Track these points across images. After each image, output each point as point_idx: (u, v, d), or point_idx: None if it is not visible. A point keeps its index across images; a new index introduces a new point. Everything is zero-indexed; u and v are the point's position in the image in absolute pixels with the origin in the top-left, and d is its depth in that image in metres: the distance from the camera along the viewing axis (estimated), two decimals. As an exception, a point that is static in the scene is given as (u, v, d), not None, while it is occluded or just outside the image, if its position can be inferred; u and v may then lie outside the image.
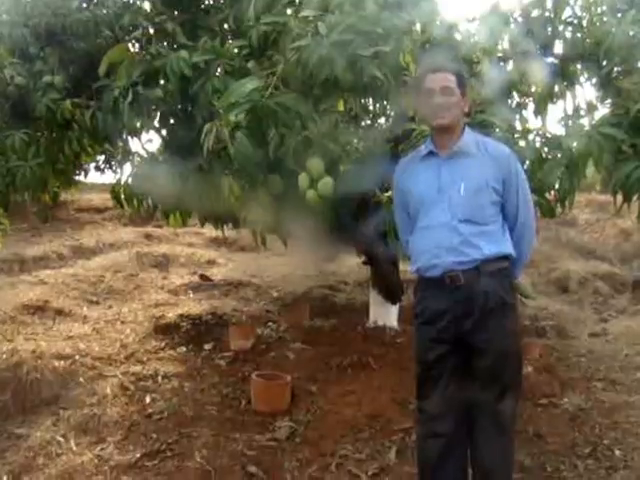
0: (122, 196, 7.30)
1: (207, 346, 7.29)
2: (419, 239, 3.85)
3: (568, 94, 5.78)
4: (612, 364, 7.09)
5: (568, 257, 12.77)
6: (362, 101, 5.26)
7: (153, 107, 5.48)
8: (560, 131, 5.33)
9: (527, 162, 4.86)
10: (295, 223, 4.93)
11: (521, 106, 5.89)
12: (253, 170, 4.62)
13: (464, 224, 3.67)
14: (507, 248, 3.77)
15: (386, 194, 5.69)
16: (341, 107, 5.00)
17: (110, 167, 8.39)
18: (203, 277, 11.03)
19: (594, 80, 5.64)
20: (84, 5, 6.20)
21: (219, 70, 4.89)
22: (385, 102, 5.01)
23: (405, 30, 4.32)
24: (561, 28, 5.63)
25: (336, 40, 3.86)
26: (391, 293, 7.59)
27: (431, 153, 3.84)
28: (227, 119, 4.15)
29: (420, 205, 3.81)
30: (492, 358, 3.70)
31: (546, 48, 5.71)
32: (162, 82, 5.20)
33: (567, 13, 5.60)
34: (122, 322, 8.26)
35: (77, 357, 6.65)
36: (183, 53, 4.95)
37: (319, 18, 4.01)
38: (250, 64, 4.73)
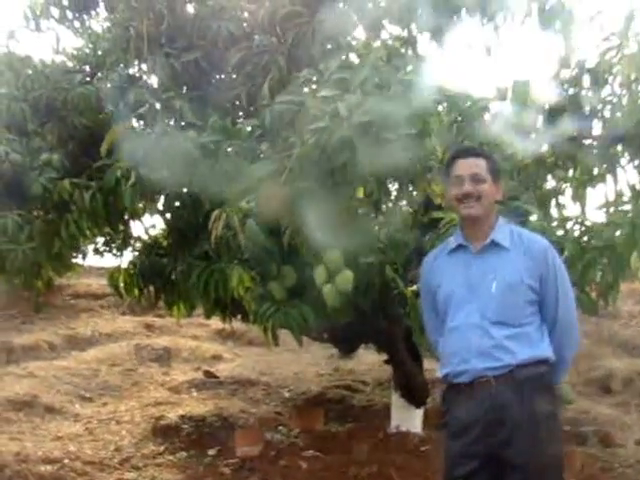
0: (121, 284, 7.33)
1: (211, 451, 7.19)
2: (448, 341, 3.77)
3: (609, 178, 5.75)
4: (665, 476, 6.94)
5: (610, 354, 12.52)
6: (384, 186, 5.26)
7: (157, 189, 5.49)
8: (601, 219, 5.29)
9: (565, 253, 4.81)
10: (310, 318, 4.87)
11: (557, 192, 5.86)
12: (265, 260, 4.61)
13: (496, 326, 3.60)
14: (545, 351, 3.67)
15: (410, 288, 5.68)
16: (361, 193, 4.99)
17: (110, 250, 8.41)
18: (208, 374, 10.94)
19: (637, 162, 5.62)
20: (87, 79, 6.28)
21: (229, 151, 4.90)
22: (410, 188, 5.00)
23: (431, 111, 4.34)
24: (600, 107, 5.63)
25: (357, 122, 3.87)
26: (415, 395, 7.49)
27: (461, 246, 3.80)
28: (238, 205, 4.15)
29: (448, 304, 3.75)
30: (528, 475, 3.58)
31: (584, 129, 5.71)
32: (168, 163, 5.22)
33: (606, 91, 5.61)
34: (117, 422, 8.18)
35: (66, 461, 6.56)
36: (191, 133, 4.98)
37: (339, 98, 4.03)
38: (263, 146, 4.75)
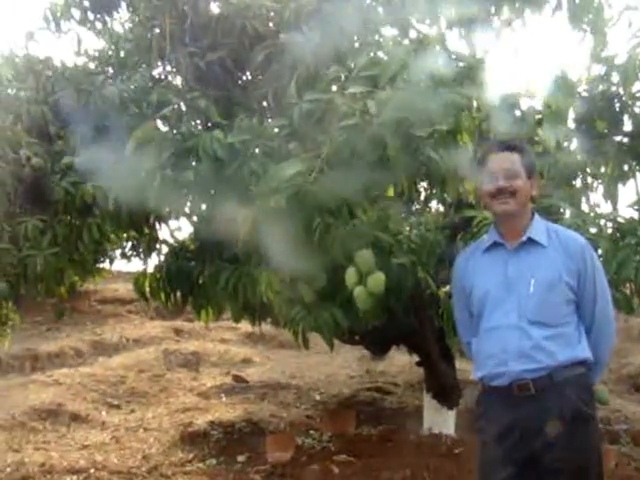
0: (147, 288, 7.30)
1: (241, 458, 7.17)
2: (483, 343, 3.73)
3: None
4: (700, 476, 6.86)
5: (640, 351, 12.50)
6: (415, 184, 5.22)
7: (184, 191, 5.46)
8: (633, 215, 5.24)
9: (600, 251, 4.76)
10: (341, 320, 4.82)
11: (589, 189, 5.80)
12: (294, 263, 4.57)
13: (535, 326, 3.55)
14: (584, 352, 3.63)
15: (443, 288, 5.64)
16: (391, 192, 4.95)
17: (137, 255, 8.39)
18: (237, 378, 10.93)
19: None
20: (109, 80, 6.25)
21: (257, 151, 4.86)
22: (442, 186, 4.96)
23: (463, 107, 4.30)
24: (630, 103, 5.57)
25: (388, 119, 3.83)
26: (447, 397, 7.46)
27: (496, 244, 3.76)
28: (266, 206, 4.12)
29: (484, 304, 3.71)
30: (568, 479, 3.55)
31: (614, 125, 5.65)
32: (194, 164, 5.18)
33: (636, 87, 5.55)
34: (145, 429, 8.18)
35: (92, 471, 6.57)
36: (217, 133, 4.94)
37: (368, 95, 4.00)
38: (292, 145, 4.72)
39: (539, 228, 3.71)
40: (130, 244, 8.07)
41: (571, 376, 3.57)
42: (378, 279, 4.37)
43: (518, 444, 3.57)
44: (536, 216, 3.78)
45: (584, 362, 3.64)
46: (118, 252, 8.21)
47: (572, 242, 3.70)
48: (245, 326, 12.94)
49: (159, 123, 5.63)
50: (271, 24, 5.52)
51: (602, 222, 5.10)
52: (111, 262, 8.22)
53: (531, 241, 3.67)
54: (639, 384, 10.85)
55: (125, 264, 8.17)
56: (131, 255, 8.25)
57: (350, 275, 4.40)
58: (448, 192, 4.88)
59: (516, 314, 3.59)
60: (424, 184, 5.71)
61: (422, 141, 3.97)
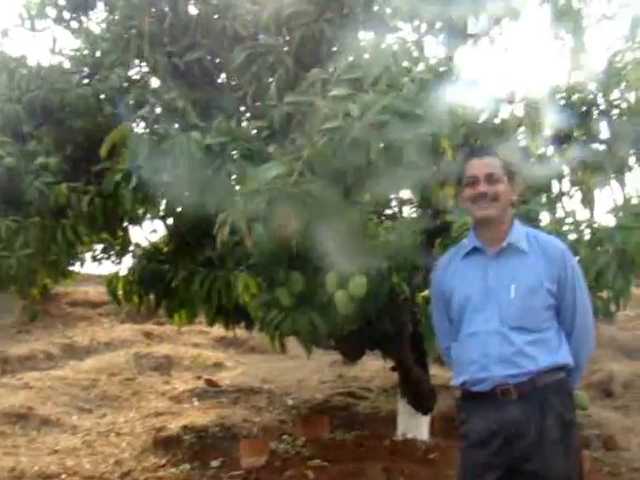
0: (119, 291, 7.24)
1: (214, 463, 7.10)
2: (464, 348, 3.70)
3: (617, 182, 5.68)
4: (673, 481, 6.88)
5: (610, 357, 12.50)
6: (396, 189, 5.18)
7: (159, 194, 5.38)
8: (610, 222, 5.23)
9: (578, 258, 4.73)
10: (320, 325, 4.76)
11: (566, 195, 5.79)
12: (272, 266, 4.52)
13: (516, 332, 3.53)
14: (564, 357, 3.62)
15: (421, 293, 5.60)
16: (367, 197, 4.90)
17: (108, 257, 8.30)
18: (210, 382, 10.85)
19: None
20: (85, 80, 6.17)
21: (235, 153, 4.78)
22: (422, 190, 4.92)
23: (445, 112, 4.26)
24: (608, 110, 5.57)
25: (371, 121, 3.77)
26: (422, 402, 7.43)
27: (475, 249, 3.73)
28: (245, 209, 4.05)
29: (464, 309, 3.68)
30: (552, 485, 3.54)
31: (592, 132, 5.64)
32: (170, 166, 5.10)
33: (614, 95, 5.54)
34: (117, 434, 8.07)
35: (64, 476, 6.49)
36: (195, 134, 4.86)
37: (351, 97, 3.94)
38: (271, 147, 4.65)
39: (519, 234, 3.68)
40: (101, 247, 7.97)
41: (552, 381, 3.55)
42: (360, 283, 4.34)
43: (502, 450, 3.54)
44: (516, 222, 3.76)
45: (564, 367, 3.62)
46: (89, 255, 8.10)
47: (552, 247, 3.68)
48: (217, 330, 12.91)
49: (135, 124, 5.55)
50: (250, 25, 5.44)
51: (580, 229, 5.09)
52: (82, 264, 8.10)
53: (511, 247, 3.64)
54: (609, 390, 10.88)
55: (96, 267, 8.05)
56: (102, 258, 8.15)
57: (331, 279, 4.35)
58: (429, 196, 4.83)
59: (497, 320, 3.56)
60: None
61: (404, 145, 3.90)
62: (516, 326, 3.54)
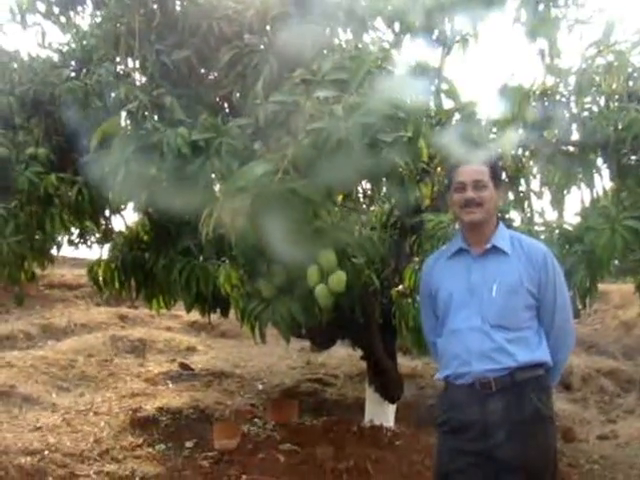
0: (100, 277, 7.20)
1: (189, 444, 7.10)
2: (448, 344, 3.75)
3: (585, 184, 5.69)
4: (629, 472, 6.94)
5: (570, 352, 12.59)
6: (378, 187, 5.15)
7: (145, 185, 5.33)
8: (578, 223, 5.25)
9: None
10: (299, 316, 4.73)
11: (536, 196, 5.80)
12: (255, 258, 4.49)
13: (496, 330, 3.58)
14: (543, 355, 3.66)
15: (395, 288, 5.60)
16: (340, 196, 4.91)
17: (85, 242, 8.22)
18: (183, 365, 10.78)
19: (613, 169, 5.56)
20: (74, 74, 6.12)
21: (220, 149, 4.73)
22: (402, 190, 4.90)
23: (422, 113, 4.25)
24: (579, 113, 5.57)
25: (357, 123, 3.76)
26: (390, 391, 7.43)
27: (461, 250, 3.79)
28: (230, 204, 4.01)
29: (449, 307, 3.73)
30: (524, 477, 3.55)
31: (564, 134, 5.64)
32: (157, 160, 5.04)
33: (587, 99, 5.54)
34: (95, 413, 8.00)
35: (46, 452, 6.41)
36: (181, 130, 4.82)
37: (336, 99, 3.92)
38: (256, 145, 4.62)
39: (503, 236, 3.74)
40: (78, 232, 7.90)
41: (531, 377, 3.59)
42: (340, 278, 4.32)
43: (478, 438, 3.57)
44: (501, 225, 3.81)
45: (543, 365, 3.66)
46: (65, 238, 8.03)
47: (534, 250, 3.73)
48: (188, 315, 12.82)
49: (123, 118, 5.50)
50: (236, 25, 5.40)
51: (551, 228, 5.11)
52: (59, 248, 8.03)
53: (495, 248, 3.69)
54: (568, 383, 10.95)
55: (72, 251, 7.99)
56: (79, 242, 8.08)
57: (312, 273, 4.32)
58: (405, 195, 4.81)
59: (479, 317, 3.61)
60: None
61: (387, 146, 3.88)
62: (497, 324, 3.58)
